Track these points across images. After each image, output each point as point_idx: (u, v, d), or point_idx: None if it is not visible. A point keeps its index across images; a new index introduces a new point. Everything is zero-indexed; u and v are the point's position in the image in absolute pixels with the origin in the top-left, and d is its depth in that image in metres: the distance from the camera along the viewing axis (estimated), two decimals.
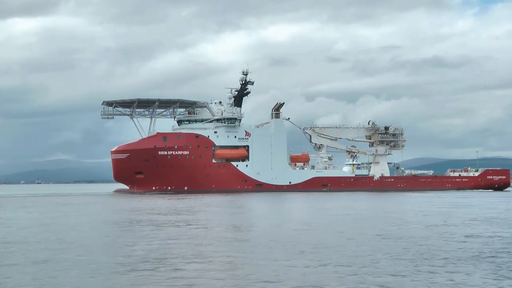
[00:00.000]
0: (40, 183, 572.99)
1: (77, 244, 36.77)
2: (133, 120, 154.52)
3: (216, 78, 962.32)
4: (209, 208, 78.06)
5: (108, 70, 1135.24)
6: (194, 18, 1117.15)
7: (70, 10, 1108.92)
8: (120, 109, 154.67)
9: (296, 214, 67.18)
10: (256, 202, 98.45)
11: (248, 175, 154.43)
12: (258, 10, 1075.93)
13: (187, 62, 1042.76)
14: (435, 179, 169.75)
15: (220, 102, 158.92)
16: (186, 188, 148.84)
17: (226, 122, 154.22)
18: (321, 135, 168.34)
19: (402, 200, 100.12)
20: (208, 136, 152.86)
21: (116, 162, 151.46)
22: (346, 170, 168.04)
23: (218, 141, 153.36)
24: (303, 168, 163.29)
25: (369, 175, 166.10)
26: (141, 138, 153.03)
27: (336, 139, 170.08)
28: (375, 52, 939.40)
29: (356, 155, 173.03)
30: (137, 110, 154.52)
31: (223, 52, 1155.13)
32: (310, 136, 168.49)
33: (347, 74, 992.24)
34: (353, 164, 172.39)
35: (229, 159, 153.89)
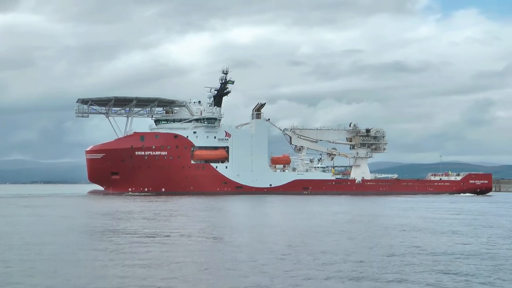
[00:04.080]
0: None
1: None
2: (108, 119, 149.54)
3: (179, 79, 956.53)
4: (186, 213, 72.46)
5: (68, 69, 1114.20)
6: (158, 18, 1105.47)
7: (29, 8, 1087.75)
8: (95, 107, 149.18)
9: (284, 224, 61.13)
10: (236, 207, 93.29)
11: (228, 177, 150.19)
12: (223, 12, 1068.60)
13: (150, 62, 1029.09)
14: (417, 183, 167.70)
15: (199, 102, 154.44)
16: (163, 189, 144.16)
17: (206, 122, 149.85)
18: (301, 137, 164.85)
19: (399, 206, 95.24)
20: (187, 136, 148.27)
21: (91, 162, 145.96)
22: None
23: (197, 142, 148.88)
24: (283, 170, 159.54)
25: (350, 178, 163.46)
26: (117, 137, 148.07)
27: (316, 141, 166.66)
28: (337, 56, 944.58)
29: (321, 158, 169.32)
30: (113, 108, 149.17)
31: (186, 53, 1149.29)
32: (290, 137, 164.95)
33: (309, 77, 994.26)
34: (333, 167, 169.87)
35: (208, 160, 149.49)
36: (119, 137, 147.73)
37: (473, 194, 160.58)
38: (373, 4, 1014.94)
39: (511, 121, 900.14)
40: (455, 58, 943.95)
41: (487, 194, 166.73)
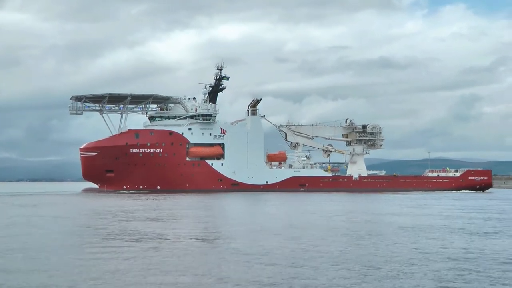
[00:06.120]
0: None
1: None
2: (102, 116, 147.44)
3: (166, 77, 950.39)
4: (183, 213, 69.60)
5: (55, 68, 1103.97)
6: (143, 16, 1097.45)
7: (16, 6, 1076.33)
8: (89, 104, 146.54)
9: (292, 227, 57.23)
10: (233, 205, 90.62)
11: (224, 174, 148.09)
12: (209, 9, 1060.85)
13: (135, 60, 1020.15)
14: (416, 180, 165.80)
15: (194, 98, 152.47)
16: (158, 187, 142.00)
17: (201, 119, 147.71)
18: (297, 133, 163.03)
19: (407, 203, 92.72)
20: (182, 133, 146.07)
21: (85, 159, 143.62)
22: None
23: (192, 139, 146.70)
24: (279, 167, 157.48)
25: (347, 175, 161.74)
26: (111, 135, 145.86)
27: (312, 138, 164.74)
28: (323, 52, 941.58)
29: (309, 155, 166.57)
30: (107, 105, 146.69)
31: (173, 51, 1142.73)
32: (286, 134, 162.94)
33: (295, 74, 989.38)
34: (329, 163, 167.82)
35: (203, 158, 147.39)
36: (113, 134, 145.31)
37: (472, 191, 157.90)
38: (359, 0, 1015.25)
39: (498, 116, 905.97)
40: (441, 54, 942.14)
41: (486, 190, 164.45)
